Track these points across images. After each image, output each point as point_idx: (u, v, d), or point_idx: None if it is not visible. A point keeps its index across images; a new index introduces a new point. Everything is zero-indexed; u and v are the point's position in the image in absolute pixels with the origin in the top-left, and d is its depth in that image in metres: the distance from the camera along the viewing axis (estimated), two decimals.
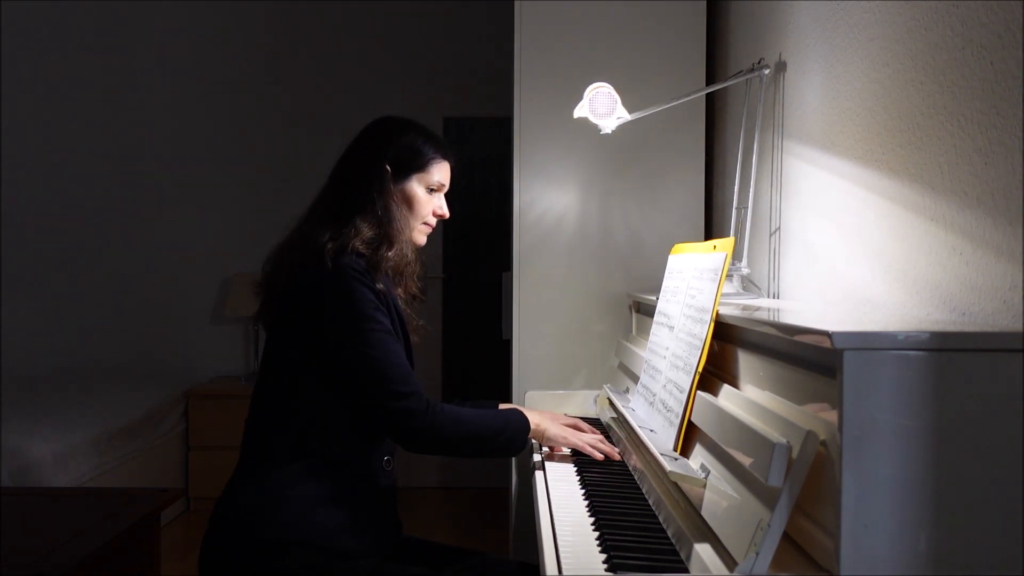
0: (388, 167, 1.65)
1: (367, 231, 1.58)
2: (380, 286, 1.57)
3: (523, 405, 2.13)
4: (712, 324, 1.40)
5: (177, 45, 4.58)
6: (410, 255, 1.67)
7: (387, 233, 1.60)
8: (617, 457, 1.73)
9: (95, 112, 4.57)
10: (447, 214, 1.74)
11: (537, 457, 1.77)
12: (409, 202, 1.67)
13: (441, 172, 1.72)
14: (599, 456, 1.71)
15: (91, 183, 4.57)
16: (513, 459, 2.34)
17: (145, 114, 4.58)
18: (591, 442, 1.73)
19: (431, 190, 1.70)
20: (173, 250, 4.59)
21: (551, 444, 1.75)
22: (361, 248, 1.57)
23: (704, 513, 1.19)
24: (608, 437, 1.86)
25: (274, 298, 1.62)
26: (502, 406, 1.85)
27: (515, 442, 1.66)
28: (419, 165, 1.68)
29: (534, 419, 1.72)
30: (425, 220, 1.71)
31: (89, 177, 4.57)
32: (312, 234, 1.59)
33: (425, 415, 1.53)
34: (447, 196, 1.76)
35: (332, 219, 1.61)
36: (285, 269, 1.60)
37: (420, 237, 1.72)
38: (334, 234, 1.57)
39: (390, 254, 1.59)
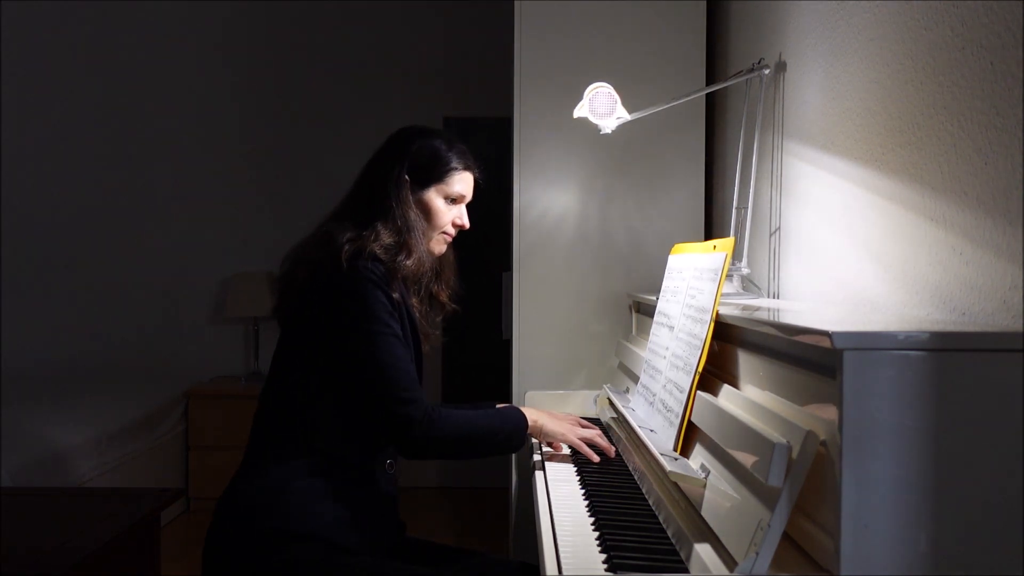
0: (407, 176, 1.66)
1: (387, 237, 1.59)
2: (396, 295, 1.58)
3: (523, 405, 2.13)
4: (712, 324, 1.40)
5: (177, 45, 4.58)
6: (428, 264, 1.67)
7: (406, 241, 1.61)
8: (612, 453, 1.73)
9: (95, 112, 4.57)
10: (467, 224, 1.74)
11: (537, 457, 1.78)
12: (427, 212, 1.68)
13: (462, 184, 1.71)
14: (595, 458, 1.71)
15: (91, 183, 4.57)
16: (513, 459, 2.34)
17: (145, 114, 4.58)
18: (589, 437, 1.74)
19: (451, 200, 1.70)
20: (173, 250, 4.59)
21: (549, 440, 1.76)
22: (379, 253, 1.57)
23: (704, 513, 1.19)
24: (608, 436, 1.86)
25: (291, 294, 1.63)
26: (499, 407, 1.85)
27: (513, 440, 1.66)
28: (438, 176, 1.68)
29: (532, 416, 1.72)
30: (443, 230, 1.71)
31: (89, 177, 4.57)
32: (333, 233, 1.59)
33: (423, 424, 1.52)
34: (469, 206, 1.75)
35: (354, 221, 1.61)
36: (304, 265, 1.61)
37: (438, 246, 1.72)
38: (354, 236, 1.58)
39: (408, 263, 1.60)
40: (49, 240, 4.55)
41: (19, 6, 4.48)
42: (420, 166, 1.67)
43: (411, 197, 1.65)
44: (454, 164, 1.69)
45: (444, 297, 1.75)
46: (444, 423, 1.55)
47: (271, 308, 1.69)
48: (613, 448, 1.75)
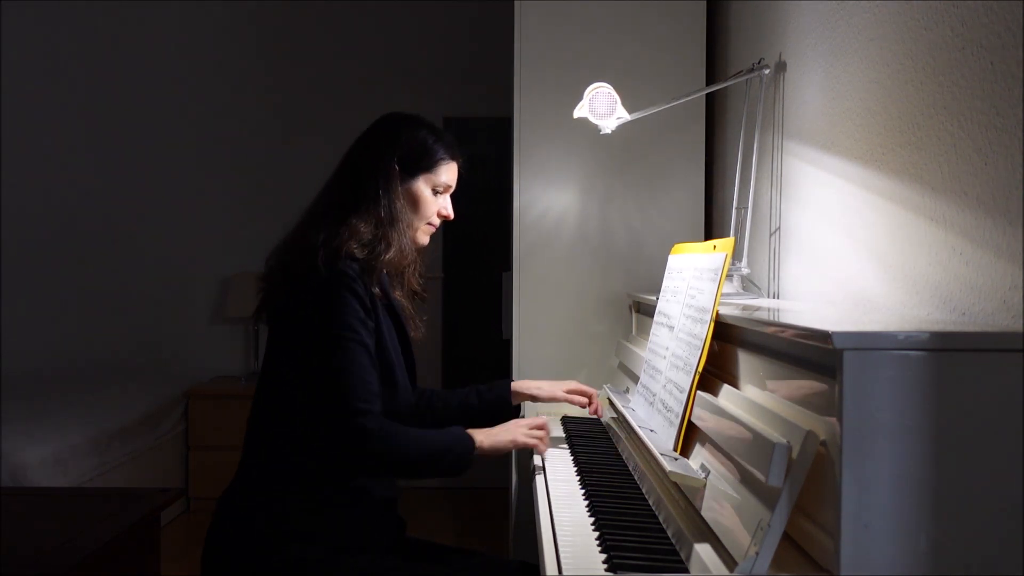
0: (397, 165, 1.63)
1: (365, 232, 1.56)
2: (376, 290, 1.56)
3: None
4: (712, 324, 1.40)
5: (177, 45, 4.58)
6: (410, 253, 1.65)
7: (386, 233, 1.58)
8: (585, 403, 1.82)
9: (95, 112, 4.57)
10: (452, 215, 1.72)
11: (537, 458, 1.77)
12: (415, 202, 1.65)
13: (448, 173, 1.69)
14: (543, 449, 1.67)
15: (91, 183, 4.57)
16: (513, 460, 2.34)
17: (145, 114, 4.58)
18: (536, 427, 1.67)
19: (437, 191, 1.68)
20: (173, 250, 4.59)
21: (496, 454, 1.64)
22: (356, 251, 1.54)
23: (704, 513, 1.19)
24: (609, 438, 1.86)
25: (272, 296, 1.62)
26: (514, 384, 1.86)
27: (459, 464, 1.56)
28: (427, 165, 1.66)
29: (477, 438, 1.61)
30: (429, 220, 1.69)
31: (89, 177, 4.57)
32: (308, 234, 1.57)
33: (375, 438, 1.46)
34: (452, 196, 1.74)
35: (331, 218, 1.58)
36: (281, 269, 1.59)
37: (423, 237, 1.70)
38: (329, 235, 1.54)
39: (388, 256, 1.57)
40: (49, 240, 4.55)
41: (19, 6, 4.48)
42: (410, 155, 1.64)
43: (399, 187, 1.63)
44: (443, 154, 1.67)
45: (416, 285, 1.73)
46: (398, 438, 1.48)
47: (255, 309, 1.65)
48: (547, 431, 1.69)
